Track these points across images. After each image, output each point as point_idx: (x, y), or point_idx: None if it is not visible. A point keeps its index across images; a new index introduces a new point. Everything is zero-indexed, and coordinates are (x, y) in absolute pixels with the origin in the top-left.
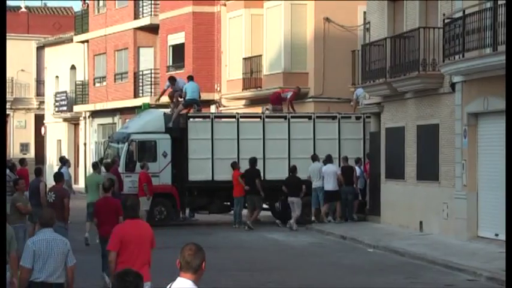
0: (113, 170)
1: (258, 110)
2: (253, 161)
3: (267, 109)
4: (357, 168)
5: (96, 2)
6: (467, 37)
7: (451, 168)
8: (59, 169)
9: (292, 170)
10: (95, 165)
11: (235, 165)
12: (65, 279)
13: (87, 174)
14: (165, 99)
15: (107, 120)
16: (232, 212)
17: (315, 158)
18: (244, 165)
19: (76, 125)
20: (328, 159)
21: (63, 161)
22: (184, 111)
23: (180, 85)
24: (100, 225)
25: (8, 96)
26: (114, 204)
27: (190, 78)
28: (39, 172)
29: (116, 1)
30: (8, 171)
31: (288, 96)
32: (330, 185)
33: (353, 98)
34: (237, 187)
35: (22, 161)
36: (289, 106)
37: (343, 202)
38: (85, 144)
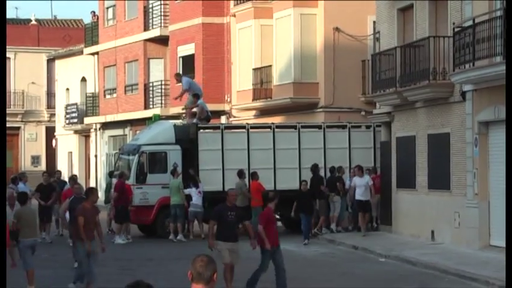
0: (118, 183)
1: (268, 120)
2: (314, 167)
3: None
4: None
5: (106, 14)
6: (477, 46)
7: (463, 177)
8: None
9: (332, 170)
10: (173, 171)
11: (254, 176)
12: None
13: (171, 180)
14: (176, 110)
15: (118, 132)
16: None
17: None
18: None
19: (87, 137)
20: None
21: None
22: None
23: (184, 87)
24: None
25: (19, 109)
26: None
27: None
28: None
29: (126, 13)
30: (11, 184)
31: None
32: (363, 196)
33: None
34: (256, 197)
35: (71, 179)
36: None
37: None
38: (96, 156)
